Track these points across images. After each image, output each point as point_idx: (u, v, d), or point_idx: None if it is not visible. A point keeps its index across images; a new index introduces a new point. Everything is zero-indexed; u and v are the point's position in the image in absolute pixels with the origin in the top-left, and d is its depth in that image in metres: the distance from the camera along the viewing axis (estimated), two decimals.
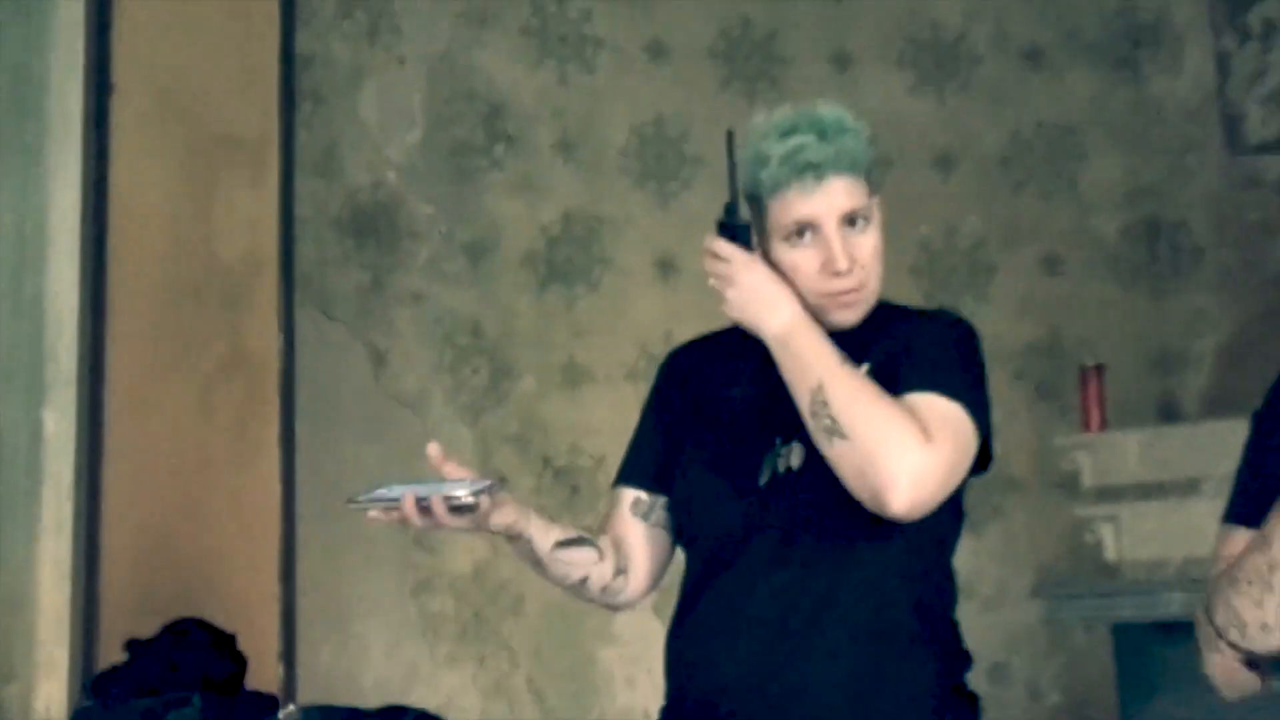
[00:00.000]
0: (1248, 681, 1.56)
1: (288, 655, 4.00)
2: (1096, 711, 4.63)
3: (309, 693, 4.05)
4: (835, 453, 1.71)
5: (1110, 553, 4.20)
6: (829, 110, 1.85)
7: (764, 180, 1.81)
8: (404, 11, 4.63)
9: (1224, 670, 1.57)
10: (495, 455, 4.59)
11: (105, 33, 3.95)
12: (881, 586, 1.77)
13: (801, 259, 1.81)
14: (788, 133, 1.81)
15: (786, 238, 1.82)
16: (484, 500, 1.78)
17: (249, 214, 4.12)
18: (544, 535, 1.88)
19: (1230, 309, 4.85)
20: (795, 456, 1.82)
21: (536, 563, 1.91)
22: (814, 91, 4.96)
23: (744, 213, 1.84)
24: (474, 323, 4.65)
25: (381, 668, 4.41)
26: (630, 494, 1.99)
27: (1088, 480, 4.35)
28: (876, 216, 1.86)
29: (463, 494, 1.75)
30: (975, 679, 5.43)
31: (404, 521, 1.77)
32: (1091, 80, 5.03)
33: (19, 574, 3.66)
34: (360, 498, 1.79)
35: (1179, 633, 3.78)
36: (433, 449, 1.80)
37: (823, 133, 1.81)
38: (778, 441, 1.83)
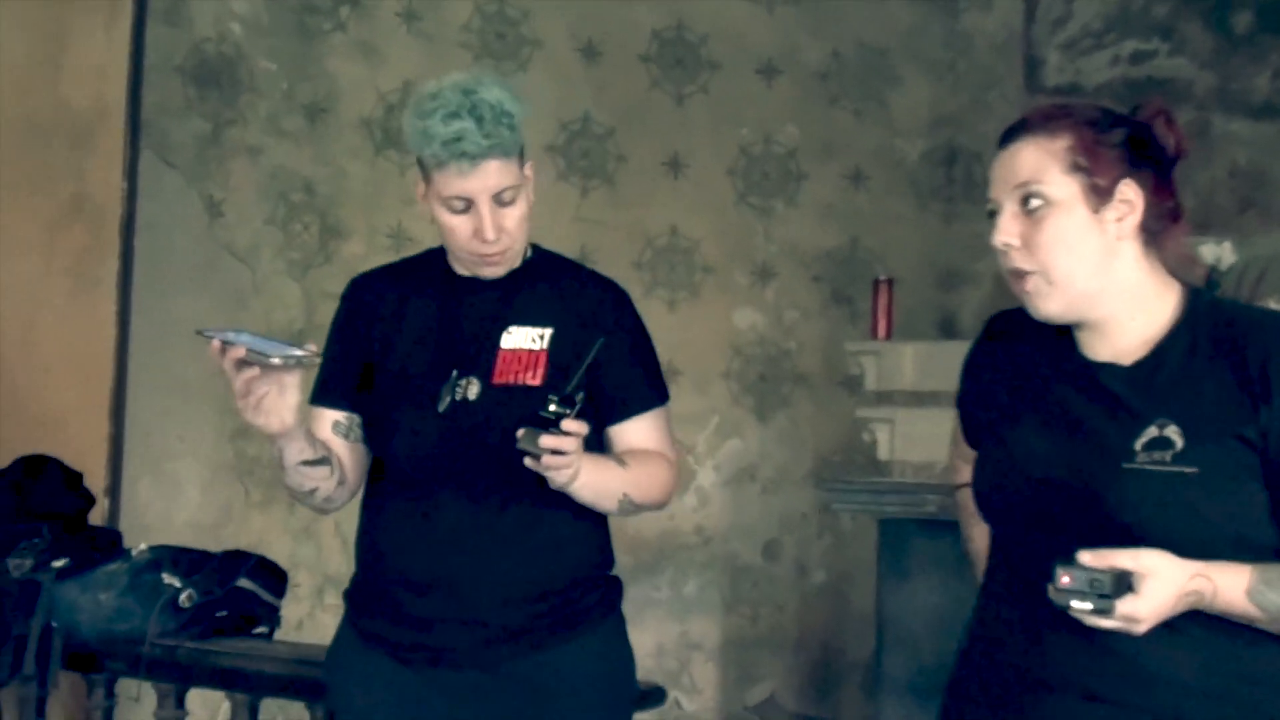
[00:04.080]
0: None
1: (114, 491, 4.12)
2: (854, 590, 5.09)
3: (124, 527, 4.19)
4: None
5: (883, 451, 4.60)
6: (492, 95, 2.09)
7: (427, 157, 2.09)
8: None
9: None
10: (319, 311, 4.72)
11: None
12: (546, 499, 2.11)
13: (458, 224, 2.12)
14: (451, 116, 2.07)
15: (447, 205, 2.12)
16: (292, 364, 1.96)
17: (99, 60, 4.13)
18: (295, 450, 2.11)
19: None
20: (473, 389, 2.15)
21: (280, 467, 2.15)
22: None
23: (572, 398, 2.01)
24: (307, 181, 4.76)
25: (195, 507, 4.54)
26: (329, 415, 2.25)
27: (870, 384, 4.73)
28: (527, 186, 2.16)
29: (276, 359, 1.95)
30: (750, 553, 5.83)
31: (221, 360, 1.96)
32: (909, 8, 5.34)
33: None
34: (209, 331, 1.97)
35: (936, 529, 4.22)
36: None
37: (480, 120, 2.07)
38: (455, 373, 2.16)
